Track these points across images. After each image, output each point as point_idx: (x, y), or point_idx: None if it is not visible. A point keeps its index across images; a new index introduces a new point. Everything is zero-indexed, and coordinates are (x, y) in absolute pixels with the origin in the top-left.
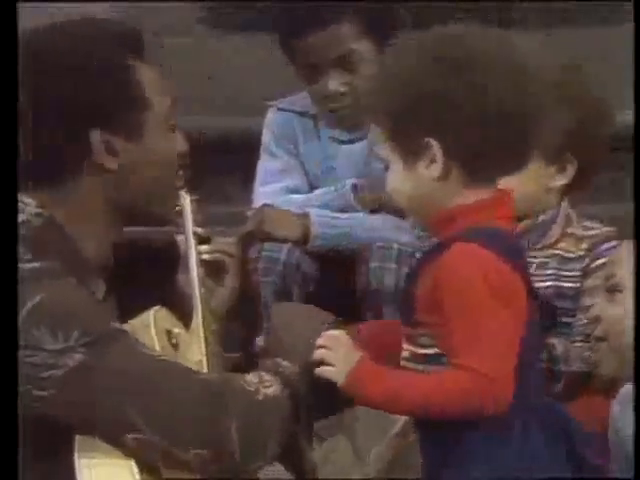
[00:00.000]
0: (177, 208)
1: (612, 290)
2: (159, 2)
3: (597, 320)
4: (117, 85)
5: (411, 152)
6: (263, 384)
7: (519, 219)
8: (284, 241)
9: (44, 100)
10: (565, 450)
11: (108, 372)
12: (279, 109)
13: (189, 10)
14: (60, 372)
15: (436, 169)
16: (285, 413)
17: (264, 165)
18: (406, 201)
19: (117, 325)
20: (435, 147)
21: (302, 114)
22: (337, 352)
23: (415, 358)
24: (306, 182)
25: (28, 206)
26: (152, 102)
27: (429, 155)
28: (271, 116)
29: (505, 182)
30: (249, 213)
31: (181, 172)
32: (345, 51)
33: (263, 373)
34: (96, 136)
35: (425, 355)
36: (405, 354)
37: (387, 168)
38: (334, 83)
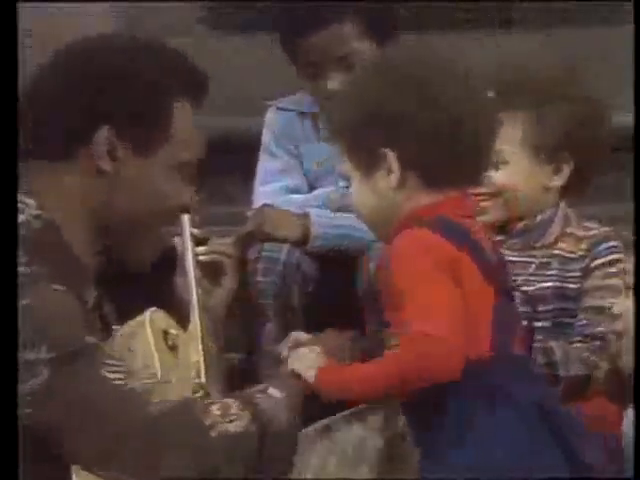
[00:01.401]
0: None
1: (628, 287)
2: (159, 2)
3: (617, 318)
4: (148, 100)
5: (369, 164)
6: (227, 417)
7: (518, 219)
8: (284, 241)
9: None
10: (555, 442)
11: (66, 394)
12: (279, 108)
13: (189, 10)
14: (30, 386)
15: (394, 179)
16: (243, 452)
17: (264, 165)
18: (369, 214)
19: (91, 340)
20: (391, 157)
21: (302, 114)
22: (307, 357)
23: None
24: (306, 182)
25: (28, 207)
26: (174, 138)
27: (386, 166)
28: (271, 116)
29: (501, 176)
30: (249, 213)
31: (171, 227)
32: (346, 51)
33: (233, 404)
34: (103, 132)
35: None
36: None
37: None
38: (334, 83)
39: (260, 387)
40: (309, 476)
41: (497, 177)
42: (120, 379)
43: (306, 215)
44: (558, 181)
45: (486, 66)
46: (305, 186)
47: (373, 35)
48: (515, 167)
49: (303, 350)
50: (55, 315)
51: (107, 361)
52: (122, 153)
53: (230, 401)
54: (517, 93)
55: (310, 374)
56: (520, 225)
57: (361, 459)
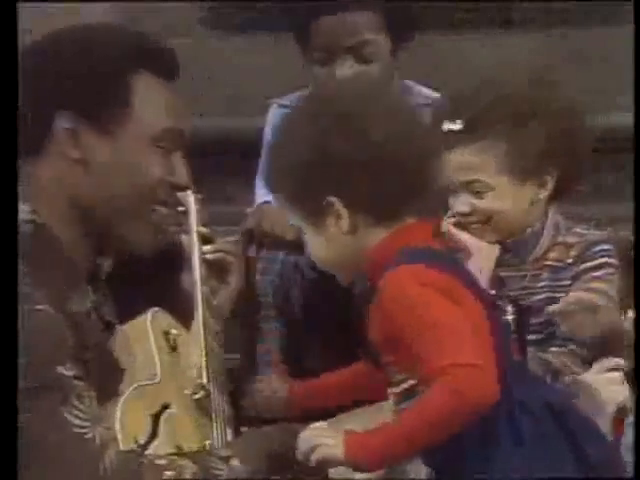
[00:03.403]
0: (181, 208)
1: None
2: (159, 2)
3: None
4: (101, 77)
5: (317, 214)
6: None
7: (508, 236)
8: (282, 240)
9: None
10: (568, 448)
11: (26, 428)
12: (281, 106)
13: (189, 10)
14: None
15: (344, 224)
16: None
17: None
18: (329, 261)
19: (64, 372)
20: (337, 204)
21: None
22: (323, 433)
23: (397, 399)
24: None
25: (20, 212)
26: (137, 112)
27: (334, 212)
28: (273, 113)
29: (488, 203)
30: (249, 211)
31: (164, 209)
32: (359, 39)
33: (188, 469)
34: (62, 118)
35: (407, 389)
36: (392, 398)
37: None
38: (344, 70)
39: (222, 453)
40: None
41: (484, 204)
42: (82, 426)
43: None
44: (544, 193)
45: (486, 68)
46: None
47: (390, 31)
48: (500, 192)
49: (312, 430)
50: (31, 341)
51: (75, 403)
52: (86, 136)
53: (187, 463)
54: (489, 121)
55: (335, 446)
56: (511, 241)
57: None
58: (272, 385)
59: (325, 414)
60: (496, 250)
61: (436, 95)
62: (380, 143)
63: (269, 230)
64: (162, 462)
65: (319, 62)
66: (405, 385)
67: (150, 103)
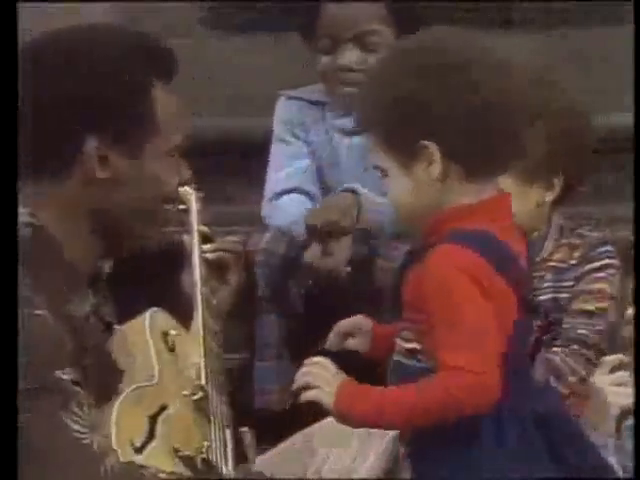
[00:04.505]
0: (182, 207)
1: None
2: (159, 2)
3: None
4: (130, 98)
5: (408, 156)
6: None
7: None
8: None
9: (49, 97)
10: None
11: (25, 429)
12: (289, 97)
13: (189, 10)
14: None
15: (435, 169)
16: None
17: (276, 152)
18: (407, 207)
19: (61, 376)
20: (432, 148)
21: (311, 102)
22: (322, 375)
23: (403, 352)
24: (314, 167)
25: (20, 215)
26: (161, 129)
27: (426, 157)
28: (281, 105)
29: None
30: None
31: (172, 206)
32: (365, 28)
33: None
34: (92, 143)
35: (409, 350)
36: (397, 348)
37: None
38: (346, 58)
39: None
40: None
41: None
42: (81, 432)
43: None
44: (550, 196)
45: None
46: (314, 170)
47: (396, 24)
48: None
49: (315, 365)
50: (30, 344)
51: (74, 409)
52: (115, 158)
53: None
54: None
55: (327, 393)
56: None
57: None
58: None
59: None
60: None
61: None
62: (482, 96)
63: (338, 219)
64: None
65: (323, 50)
66: (410, 346)
67: (171, 114)
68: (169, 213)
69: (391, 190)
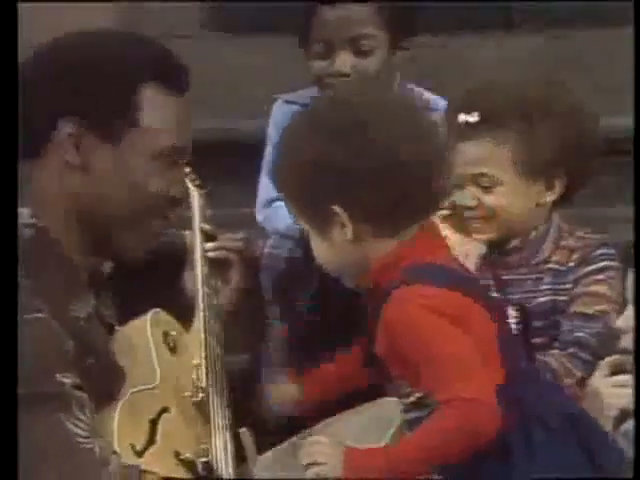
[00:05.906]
0: (174, 209)
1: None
2: (159, 3)
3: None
4: (110, 86)
5: (322, 220)
6: None
7: (512, 236)
8: None
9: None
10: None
11: (26, 434)
12: (285, 102)
13: (189, 10)
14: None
15: (348, 232)
16: None
17: (268, 156)
18: (335, 267)
19: (62, 380)
20: (341, 213)
21: (306, 106)
22: (323, 451)
23: (410, 408)
24: None
25: (21, 217)
26: (143, 124)
27: (338, 221)
28: (277, 109)
29: (494, 198)
30: None
31: (167, 216)
32: (360, 32)
33: None
34: (66, 124)
35: (415, 403)
36: (403, 408)
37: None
38: (341, 63)
39: None
40: None
41: (490, 200)
42: (82, 437)
43: None
44: (551, 197)
45: (485, 69)
46: None
47: (390, 28)
48: (508, 188)
49: (314, 442)
50: (31, 348)
51: (77, 413)
52: (88, 143)
53: None
54: (504, 115)
55: (332, 467)
56: (515, 243)
57: None
58: (287, 391)
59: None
60: (480, 249)
61: (435, 97)
62: (383, 151)
63: None
64: None
65: (318, 56)
66: (414, 398)
67: (157, 118)
68: (160, 227)
69: (315, 250)
